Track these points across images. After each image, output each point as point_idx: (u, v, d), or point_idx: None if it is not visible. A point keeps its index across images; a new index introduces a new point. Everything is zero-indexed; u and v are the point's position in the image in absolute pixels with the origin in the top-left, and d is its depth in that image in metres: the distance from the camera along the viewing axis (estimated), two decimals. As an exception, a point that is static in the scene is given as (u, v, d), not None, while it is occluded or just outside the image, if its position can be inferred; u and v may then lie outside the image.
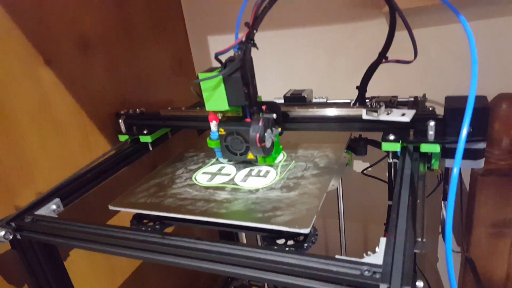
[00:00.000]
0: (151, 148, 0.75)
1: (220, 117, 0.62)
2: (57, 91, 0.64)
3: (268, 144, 0.58)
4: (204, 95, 0.58)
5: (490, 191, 0.73)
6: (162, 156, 0.83)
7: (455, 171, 0.35)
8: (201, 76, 0.57)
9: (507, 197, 0.72)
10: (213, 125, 0.62)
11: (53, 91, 0.63)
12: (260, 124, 0.56)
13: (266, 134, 0.57)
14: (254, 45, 0.55)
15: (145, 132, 0.73)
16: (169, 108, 0.76)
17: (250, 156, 0.61)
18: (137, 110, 0.76)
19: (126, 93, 0.78)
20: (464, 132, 0.36)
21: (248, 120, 0.60)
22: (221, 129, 0.61)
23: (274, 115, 0.60)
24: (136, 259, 0.46)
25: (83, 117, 0.69)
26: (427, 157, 0.56)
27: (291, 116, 0.65)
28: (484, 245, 0.77)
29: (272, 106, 0.61)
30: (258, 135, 0.56)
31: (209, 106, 0.59)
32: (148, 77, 0.84)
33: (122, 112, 0.76)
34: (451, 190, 0.34)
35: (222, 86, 0.57)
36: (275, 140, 0.60)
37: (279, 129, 0.61)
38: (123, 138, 0.75)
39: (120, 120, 0.74)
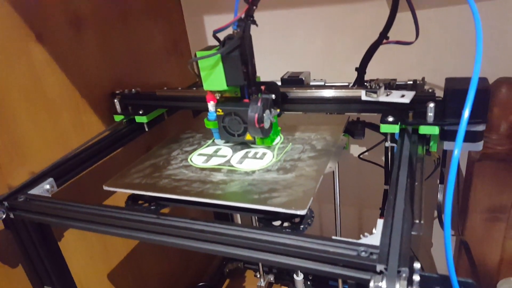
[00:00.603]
0: (146, 129, 0.74)
1: (218, 98, 0.61)
2: (49, 68, 0.62)
3: (266, 125, 0.57)
4: (202, 74, 0.57)
5: (486, 176, 0.73)
6: (157, 138, 0.82)
7: (456, 153, 0.35)
8: (199, 54, 0.55)
9: (503, 183, 0.72)
10: (211, 105, 0.61)
11: (45, 68, 0.62)
12: (259, 104, 0.55)
13: (264, 114, 0.56)
14: (254, 22, 0.54)
15: (140, 112, 0.72)
16: (165, 88, 0.75)
17: (248, 137, 0.60)
18: (133, 90, 0.75)
19: (120, 73, 0.77)
20: (467, 113, 0.35)
21: (246, 100, 0.59)
22: (219, 110, 0.60)
23: (273, 96, 0.59)
24: (131, 239, 0.46)
25: (76, 96, 0.67)
26: (426, 139, 0.56)
27: (290, 97, 0.64)
28: (479, 230, 0.77)
29: (271, 87, 0.60)
30: (256, 115, 0.55)
31: (207, 85, 0.58)
32: (143, 57, 0.82)
33: (117, 91, 0.74)
34: (452, 171, 0.33)
35: (221, 65, 0.55)
36: (273, 121, 0.60)
37: (278, 110, 0.60)
38: (118, 118, 0.74)
39: (115, 100, 0.73)
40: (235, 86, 0.59)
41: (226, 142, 0.65)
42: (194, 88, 0.75)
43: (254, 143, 0.62)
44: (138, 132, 0.74)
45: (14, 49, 0.57)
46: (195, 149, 0.64)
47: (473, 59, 0.33)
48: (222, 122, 0.61)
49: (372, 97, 0.56)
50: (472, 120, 0.51)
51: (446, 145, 0.55)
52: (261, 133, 0.57)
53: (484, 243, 0.78)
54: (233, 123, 0.60)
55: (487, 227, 0.77)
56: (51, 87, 0.63)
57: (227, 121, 0.60)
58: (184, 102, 0.73)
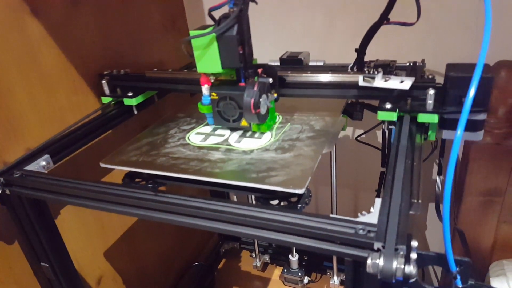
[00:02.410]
0: (135, 112, 0.71)
1: (212, 81, 0.58)
2: (45, 43, 0.61)
3: (263, 110, 0.54)
4: (196, 55, 0.54)
5: (483, 160, 0.73)
6: (155, 117, 0.81)
7: (456, 144, 0.34)
8: (192, 33, 0.52)
9: (499, 166, 0.72)
10: (205, 89, 0.58)
11: (41, 43, 0.60)
12: (255, 88, 0.52)
13: (261, 99, 0.53)
14: (253, 0, 0.52)
15: (129, 94, 0.69)
16: (155, 69, 0.72)
17: (244, 123, 0.58)
18: (121, 71, 0.72)
19: (117, 50, 0.75)
20: (470, 101, 0.34)
21: (242, 84, 0.56)
22: (213, 93, 0.57)
23: (270, 80, 0.56)
24: (129, 215, 0.46)
25: (72, 72, 0.66)
26: (424, 127, 0.54)
27: (287, 81, 0.62)
28: (473, 213, 0.78)
29: (268, 70, 0.57)
30: (252, 100, 0.52)
31: (201, 67, 0.55)
32: (140, 34, 0.81)
33: (105, 72, 0.71)
34: (451, 163, 0.32)
35: (215, 46, 0.52)
36: (270, 106, 0.57)
37: (275, 95, 0.58)
38: (106, 100, 0.71)
39: (103, 81, 0.70)
40: (230, 69, 0.56)
41: (222, 128, 0.62)
42: (186, 70, 0.72)
43: (250, 129, 0.60)
44: (127, 115, 0.72)
45: (8, 22, 0.56)
46: (192, 128, 0.64)
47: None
48: (217, 106, 0.58)
49: (370, 83, 0.54)
50: (473, 108, 0.50)
51: (445, 134, 0.53)
52: (257, 119, 0.54)
53: (478, 226, 0.79)
54: (228, 108, 0.58)
55: (482, 210, 0.78)
56: (47, 62, 0.62)
57: (221, 105, 0.58)
58: (174, 85, 0.69)
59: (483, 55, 0.33)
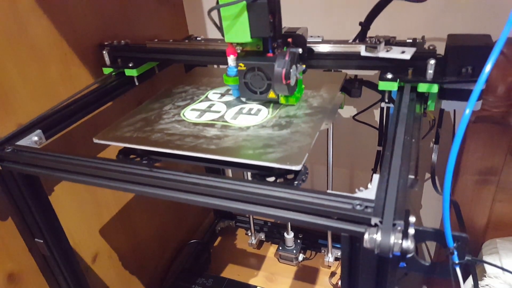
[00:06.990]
0: (137, 83, 0.71)
1: (238, 51, 0.57)
2: (34, 14, 0.59)
3: (292, 81, 0.53)
4: (224, 24, 0.52)
5: (480, 139, 0.73)
6: (149, 92, 0.80)
7: (467, 112, 0.34)
8: (221, 1, 0.51)
9: (497, 145, 0.72)
10: (231, 59, 0.56)
11: (30, 14, 0.58)
12: (287, 58, 0.52)
13: (291, 70, 0.53)
14: None
15: (130, 65, 0.69)
16: (156, 40, 0.72)
17: (271, 95, 0.57)
18: (122, 41, 0.72)
19: (108, 22, 0.73)
20: (488, 69, 0.33)
21: (270, 55, 0.55)
22: (241, 64, 0.56)
23: (300, 50, 0.55)
24: (123, 191, 0.45)
25: (64, 45, 0.64)
26: (424, 98, 0.55)
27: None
28: (468, 192, 0.78)
29: (298, 40, 0.56)
30: (284, 71, 0.51)
31: (229, 37, 0.53)
32: (133, 6, 0.78)
33: (106, 43, 0.71)
34: (460, 130, 0.32)
35: (245, 14, 0.50)
36: (299, 77, 0.56)
37: (304, 66, 0.57)
38: (107, 71, 0.71)
39: (104, 52, 0.70)
40: (258, 39, 0.55)
41: (248, 99, 0.61)
42: (186, 41, 0.72)
43: (277, 101, 0.59)
44: (129, 86, 0.71)
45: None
46: (188, 104, 0.62)
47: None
48: (244, 78, 0.57)
49: (372, 53, 0.54)
50: (473, 78, 0.50)
51: (444, 104, 0.54)
52: (287, 90, 0.53)
53: (472, 205, 0.80)
54: (256, 79, 0.56)
55: (477, 189, 0.78)
56: (37, 34, 0.60)
57: (249, 77, 0.56)
58: (175, 55, 0.70)
59: (508, 28, 0.32)
